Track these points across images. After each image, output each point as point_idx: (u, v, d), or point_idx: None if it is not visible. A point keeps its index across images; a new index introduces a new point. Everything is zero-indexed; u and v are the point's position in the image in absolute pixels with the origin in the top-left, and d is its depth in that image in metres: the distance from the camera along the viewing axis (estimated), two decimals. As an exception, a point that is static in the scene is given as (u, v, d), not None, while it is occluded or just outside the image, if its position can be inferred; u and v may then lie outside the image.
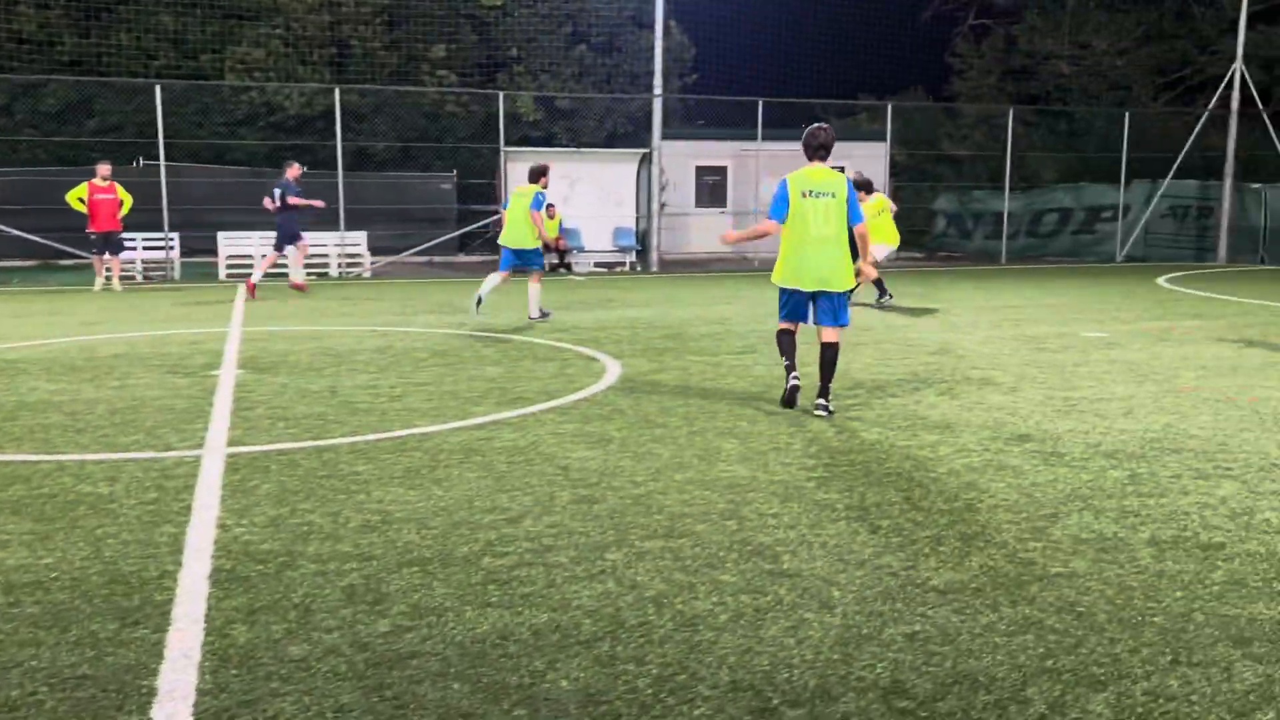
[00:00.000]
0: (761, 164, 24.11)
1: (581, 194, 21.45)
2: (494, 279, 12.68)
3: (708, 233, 25.46)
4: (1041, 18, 28.70)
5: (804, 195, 7.11)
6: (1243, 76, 23.69)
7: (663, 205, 23.83)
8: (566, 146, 23.79)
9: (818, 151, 7.17)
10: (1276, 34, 27.10)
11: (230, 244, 19.93)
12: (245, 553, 4.42)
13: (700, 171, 25.31)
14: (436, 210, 23.64)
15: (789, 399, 7.42)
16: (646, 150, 21.62)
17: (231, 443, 6.35)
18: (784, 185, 7.18)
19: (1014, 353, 10.02)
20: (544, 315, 12.65)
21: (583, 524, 4.80)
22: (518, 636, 3.62)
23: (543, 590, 4.03)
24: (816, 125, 7.30)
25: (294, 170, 16.03)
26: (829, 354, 7.29)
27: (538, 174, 12.45)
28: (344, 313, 13.70)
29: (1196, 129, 24.00)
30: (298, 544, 4.53)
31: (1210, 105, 24.38)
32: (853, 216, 7.17)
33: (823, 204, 7.10)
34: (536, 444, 6.28)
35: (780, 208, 7.17)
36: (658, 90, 21.04)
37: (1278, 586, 4.10)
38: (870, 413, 7.28)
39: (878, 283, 13.99)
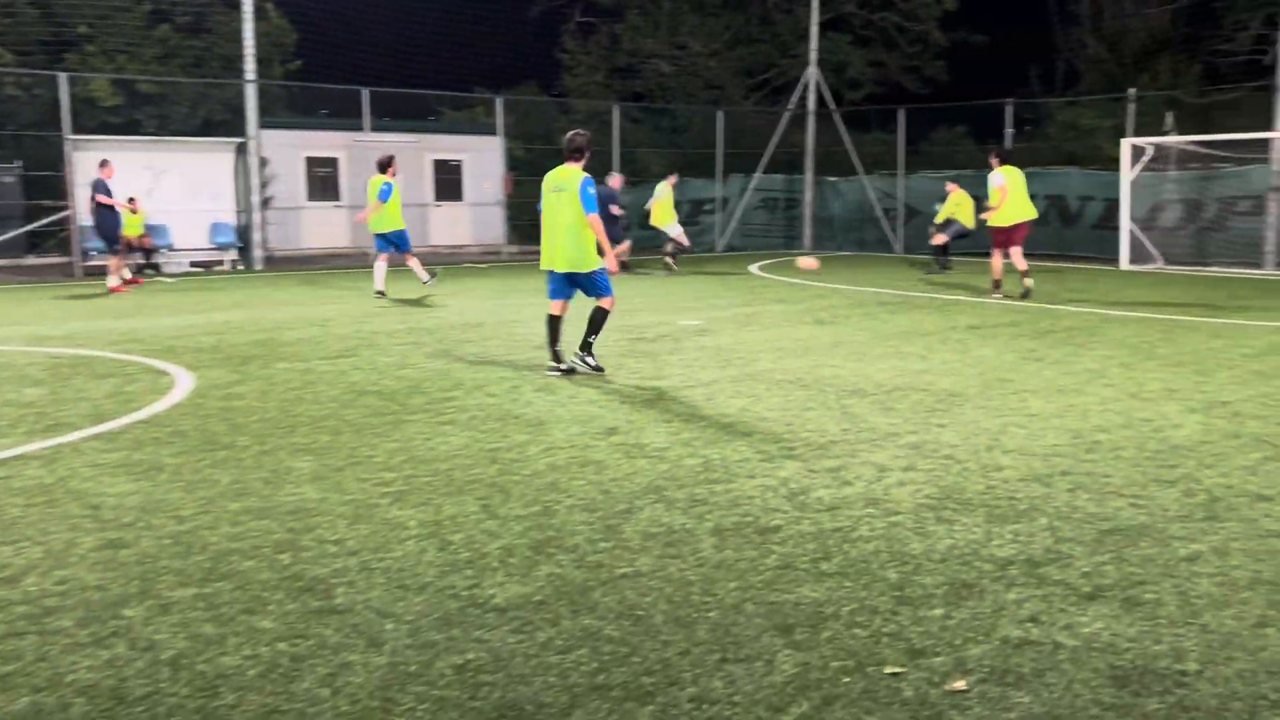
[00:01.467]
0: (375, 156, 23.22)
1: (170, 187, 19.55)
2: (381, 266, 14.26)
3: (321, 227, 24.26)
4: (642, 18, 29.99)
5: (551, 191, 8.26)
6: (817, 79, 26.07)
7: (268, 199, 22.35)
8: (153, 135, 21.56)
9: (571, 154, 8.24)
10: (844, 40, 30.10)
11: None
12: None
13: (310, 163, 24.06)
14: (-4, 206, 20.61)
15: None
16: (242, 139, 20.08)
17: None
18: (544, 182, 8.38)
19: (615, 343, 10.19)
20: (380, 294, 14.12)
21: (102, 575, 4.12)
22: (-20, 734, 2.96)
23: (31, 665, 3.36)
24: (573, 131, 8.37)
25: (108, 170, 15.62)
26: (595, 313, 8.41)
27: (384, 164, 13.93)
28: None
29: (780, 127, 26.10)
30: None
31: (791, 105, 26.61)
32: (585, 208, 8.09)
33: (561, 197, 8.18)
34: (66, 480, 5.42)
35: (541, 202, 8.39)
36: (250, 76, 19.61)
37: (823, 566, 4.27)
38: (464, 414, 7.01)
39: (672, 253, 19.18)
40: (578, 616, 3.76)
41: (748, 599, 3.93)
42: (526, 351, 9.67)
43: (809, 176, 26.51)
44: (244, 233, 20.40)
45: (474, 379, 8.26)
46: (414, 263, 14.60)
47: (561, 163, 8.29)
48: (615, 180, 18.33)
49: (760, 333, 10.96)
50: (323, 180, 24.33)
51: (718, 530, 4.70)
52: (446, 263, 21.93)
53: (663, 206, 18.94)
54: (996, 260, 14.07)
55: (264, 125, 22.03)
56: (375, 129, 23.06)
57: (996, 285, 14.13)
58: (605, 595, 3.96)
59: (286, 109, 26.84)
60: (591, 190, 8.13)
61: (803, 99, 26.26)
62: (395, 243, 14.27)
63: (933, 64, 30.82)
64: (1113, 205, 20.35)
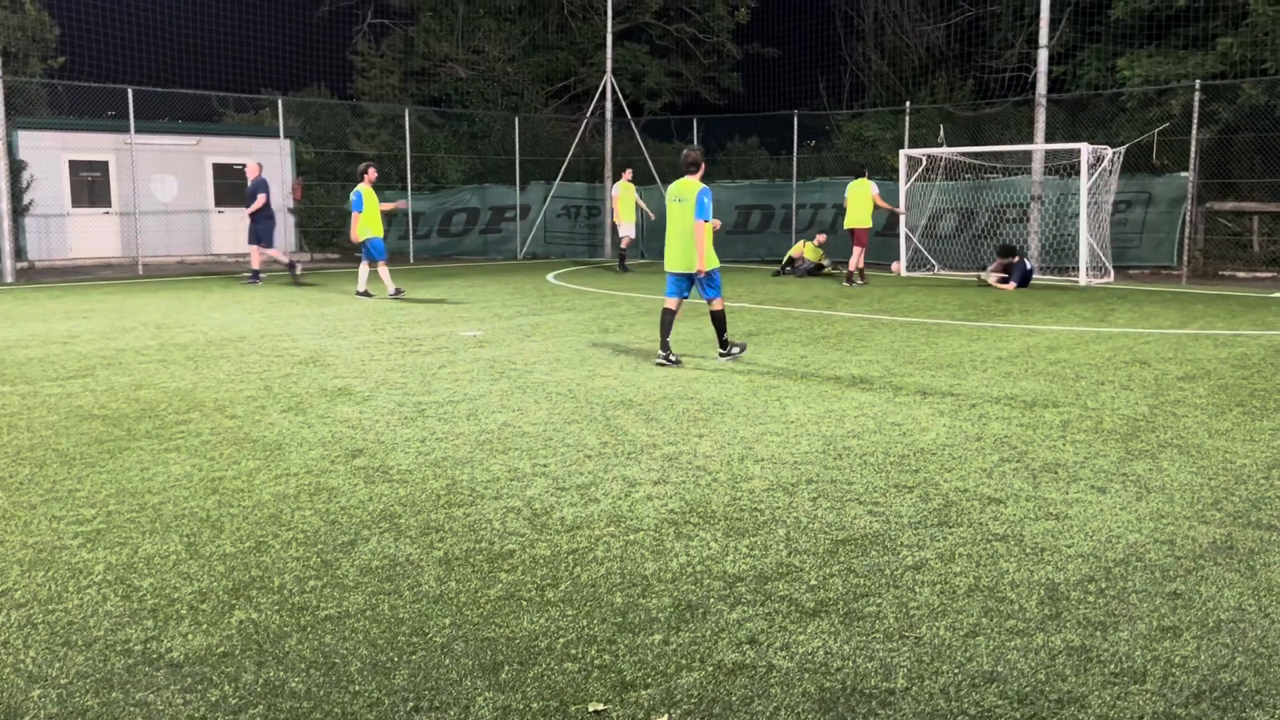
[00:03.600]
0: (149, 159, 21.83)
1: (-97, 192, 17.69)
2: (364, 270, 15.58)
3: (89, 235, 22.52)
4: (435, 21, 29.34)
5: (673, 200, 9.43)
6: (614, 88, 26.14)
7: (26, 205, 20.60)
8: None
9: (687, 168, 9.37)
10: (641, 50, 30.34)
11: None
12: None
13: (75, 166, 22.33)
14: None
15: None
16: (-11, 141, 18.37)
17: None
18: (667, 192, 9.54)
19: (386, 357, 9.74)
20: (367, 294, 15.40)
21: None
22: None
23: None
24: (687, 149, 9.56)
25: None
26: (714, 318, 9.74)
27: (361, 172, 15.11)
28: None
29: (580, 134, 26.02)
30: None
31: (589, 113, 26.58)
32: (696, 214, 9.16)
33: (680, 207, 9.35)
34: None
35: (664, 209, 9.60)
36: (-5, 71, 17.99)
37: (548, 594, 4.04)
38: (195, 439, 6.46)
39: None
40: (263, 669, 3.40)
41: (460, 636, 3.66)
42: (285, 367, 9.10)
43: (609, 184, 26.53)
44: (-8, 242, 18.66)
45: (217, 399, 7.67)
46: (384, 271, 15.36)
47: (683, 176, 9.40)
48: (253, 169, 17.98)
49: (541, 343, 10.72)
50: (90, 185, 22.64)
51: (446, 560, 4.41)
52: (229, 272, 20.77)
53: (625, 204, 20.48)
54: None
55: (20, 126, 20.34)
56: (150, 130, 21.63)
57: (855, 276, 17.77)
58: (301, 642, 3.60)
59: (50, 108, 24.84)
60: (707, 200, 9.16)
61: (601, 107, 26.28)
62: (366, 250, 15.24)
63: (729, 75, 31.47)
64: (895, 213, 21.17)
